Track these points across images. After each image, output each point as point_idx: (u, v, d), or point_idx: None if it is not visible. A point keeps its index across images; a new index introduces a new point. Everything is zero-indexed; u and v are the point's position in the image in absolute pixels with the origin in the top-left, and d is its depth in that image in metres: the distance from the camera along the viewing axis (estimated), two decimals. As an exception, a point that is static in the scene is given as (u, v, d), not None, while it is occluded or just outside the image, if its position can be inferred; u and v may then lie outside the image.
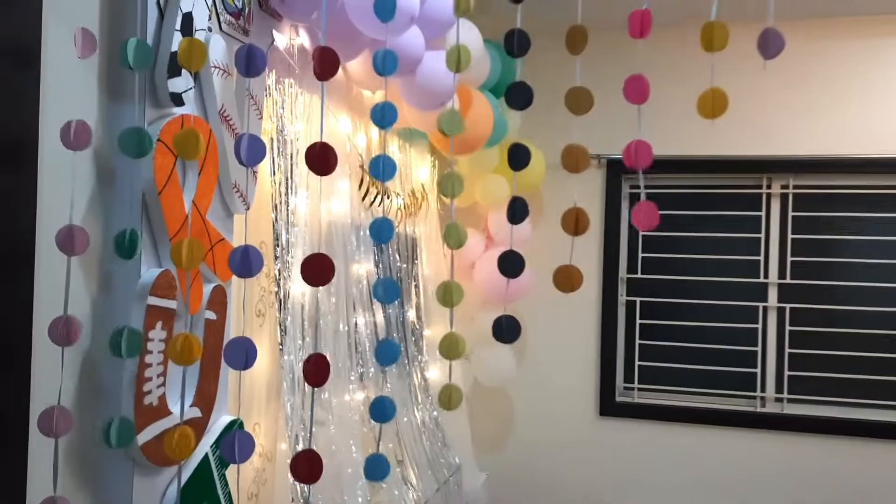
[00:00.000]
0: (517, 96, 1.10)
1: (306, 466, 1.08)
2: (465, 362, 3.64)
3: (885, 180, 3.50)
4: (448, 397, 1.13)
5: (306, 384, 2.01)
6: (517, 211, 1.10)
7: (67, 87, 1.34)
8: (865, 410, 3.51)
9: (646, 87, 1.05)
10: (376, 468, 1.14)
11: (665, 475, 3.68)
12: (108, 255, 1.40)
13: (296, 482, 1.97)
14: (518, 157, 1.08)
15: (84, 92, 1.38)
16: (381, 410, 1.14)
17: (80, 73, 1.37)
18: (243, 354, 1.11)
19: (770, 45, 0.95)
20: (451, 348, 1.12)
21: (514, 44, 1.06)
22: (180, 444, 1.13)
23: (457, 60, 1.10)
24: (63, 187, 1.31)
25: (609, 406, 3.79)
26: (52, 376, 1.27)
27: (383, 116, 1.09)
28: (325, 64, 1.07)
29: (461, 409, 3.29)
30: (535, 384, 3.85)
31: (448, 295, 1.11)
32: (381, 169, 1.09)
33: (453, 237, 1.11)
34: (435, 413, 3.02)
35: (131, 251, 1.25)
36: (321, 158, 1.06)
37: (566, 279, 1.09)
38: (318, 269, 1.07)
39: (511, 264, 1.12)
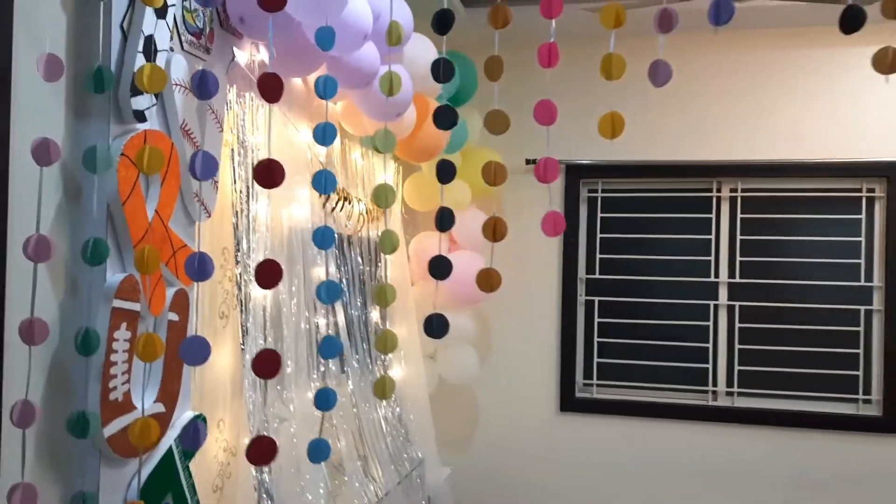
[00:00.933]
0: (443, 118, 1.23)
1: (259, 450, 1.19)
2: (431, 361, 3.76)
3: (827, 183, 3.69)
4: (382, 387, 1.25)
5: (268, 383, 2.13)
6: (444, 220, 1.23)
7: (36, 104, 1.44)
8: (810, 403, 3.69)
9: (553, 110, 1.18)
10: (318, 452, 1.26)
11: (623, 467, 3.83)
12: (76, 261, 1.51)
13: (257, 473, 2.08)
14: (445, 173, 1.21)
15: (52, 109, 1.48)
16: (325, 400, 1.26)
17: (49, 91, 1.47)
18: (199, 351, 1.23)
19: (659, 74, 1.09)
20: (386, 343, 1.25)
21: (440, 72, 1.19)
22: (143, 433, 1.24)
23: (389, 85, 1.22)
24: (32, 198, 1.41)
25: (569, 402, 3.94)
26: (23, 373, 1.37)
27: (324, 136, 1.21)
28: (270, 88, 1.19)
29: (424, 406, 3.41)
30: (499, 382, 3.99)
31: (382, 295, 1.23)
32: (323, 183, 1.21)
33: (387, 244, 1.23)
34: (398, 410, 3.14)
35: (98, 258, 1.36)
36: (267, 173, 1.18)
37: (486, 280, 1.22)
38: (268, 274, 1.19)
39: (440, 268, 1.24)
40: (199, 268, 1.23)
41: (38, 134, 1.39)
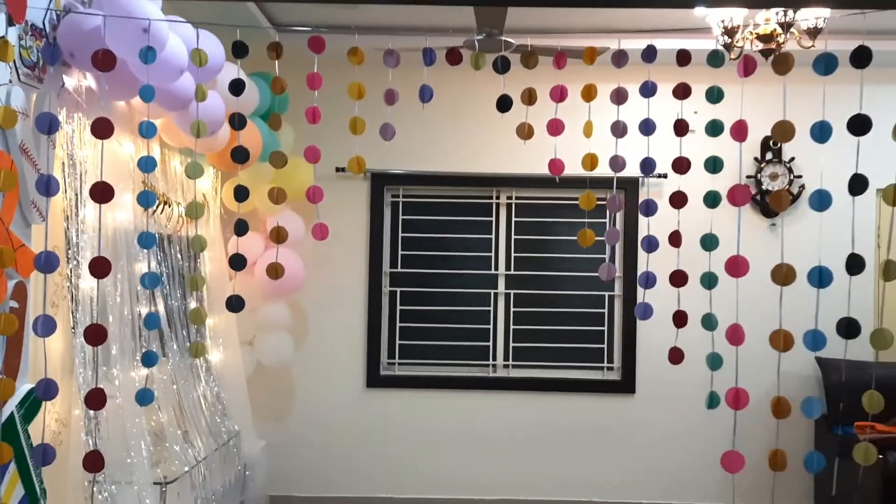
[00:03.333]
0: (238, 156, 1.71)
1: (94, 397, 1.61)
2: (249, 347, 4.17)
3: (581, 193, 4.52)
4: (195, 348, 1.72)
5: (94, 361, 2.48)
6: (240, 227, 1.71)
7: None
8: (568, 371, 4.55)
9: (317, 153, 1.71)
10: (143, 396, 1.70)
11: (421, 431, 4.48)
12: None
13: (87, 438, 2.43)
14: (239, 194, 1.69)
15: None
16: (148, 358, 1.70)
17: None
18: (48, 326, 1.62)
19: (387, 133, 1.65)
20: (196, 317, 1.71)
21: (236, 122, 1.67)
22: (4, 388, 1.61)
23: (197, 129, 1.69)
24: None
25: (375, 378, 4.52)
26: None
27: (146, 164, 1.65)
28: (101, 130, 1.61)
29: (241, 386, 3.83)
30: (312, 364, 4.49)
31: (194, 282, 1.70)
32: (146, 200, 1.65)
33: (196, 245, 1.70)
34: (216, 389, 3.54)
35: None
36: (102, 192, 1.60)
37: (273, 271, 1.72)
38: (100, 266, 1.61)
39: (237, 262, 1.73)
40: (47, 262, 1.62)
41: None
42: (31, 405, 2.13)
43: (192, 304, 3.42)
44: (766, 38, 3.27)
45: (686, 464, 4.43)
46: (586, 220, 4.56)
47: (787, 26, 3.22)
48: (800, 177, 4.45)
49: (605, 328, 4.56)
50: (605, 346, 4.56)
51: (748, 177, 4.45)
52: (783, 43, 3.24)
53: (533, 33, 4.04)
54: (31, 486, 2.15)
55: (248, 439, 3.78)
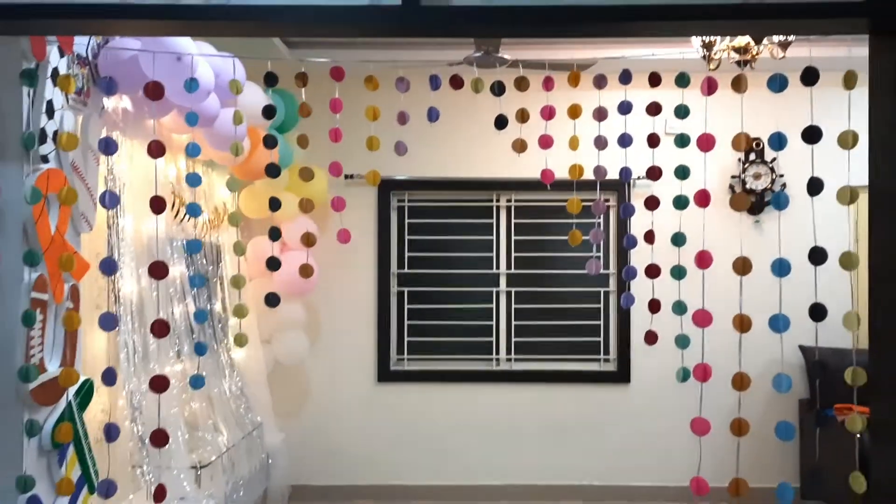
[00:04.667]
0: (272, 171, 1.98)
1: (158, 383, 1.88)
2: (267, 345, 4.44)
3: (578, 195, 4.79)
4: (239, 338, 1.99)
5: (135, 357, 2.75)
6: (273, 233, 1.98)
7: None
8: (567, 363, 4.81)
9: (340, 168, 1.98)
10: (196, 381, 1.97)
11: (428, 422, 4.74)
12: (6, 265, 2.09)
13: (132, 424, 2.70)
14: (273, 205, 1.96)
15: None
16: (200, 348, 1.97)
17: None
18: (111, 322, 1.89)
19: (399, 149, 1.91)
20: (238, 311, 1.98)
21: (269, 142, 1.94)
22: (67, 377, 1.88)
23: (236, 149, 1.96)
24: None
25: (385, 373, 4.79)
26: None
27: (192, 180, 1.92)
28: (156, 151, 1.88)
29: (262, 381, 4.10)
30: (326, 360, 4.75)
31: (235, 281, 1.97)
32: (193, 212, 1.92)
33: (238, 249, 1.97)
34: (240, 384, 3.81)
35: (33, 261, 1.97)
36: (158, 205, 1.87)
37: (304, 271, 1.99)
38: (158, 269, 1.88)
39: (273, 264, 2.00)
40: (109, 265, 1.89)
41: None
42: (85, 394, 2.40)
43: (217, 305, 3.69)
44: (741, 50, 3.53)
45: (678, 448, 4.67)
46: (581, 221, 4.85)
47: (759, 39, 3.48)
48: (782, 176, 4.71)
49: (601, 322, 4.82)
50: (601, 339, 4.82)
51: (733, 176, 4.70)
52: (757, 54, 3.50)
53: (526, 43, 4.31)
54: (86, 466, 2.42)
55: (270, 431, 4.04)
